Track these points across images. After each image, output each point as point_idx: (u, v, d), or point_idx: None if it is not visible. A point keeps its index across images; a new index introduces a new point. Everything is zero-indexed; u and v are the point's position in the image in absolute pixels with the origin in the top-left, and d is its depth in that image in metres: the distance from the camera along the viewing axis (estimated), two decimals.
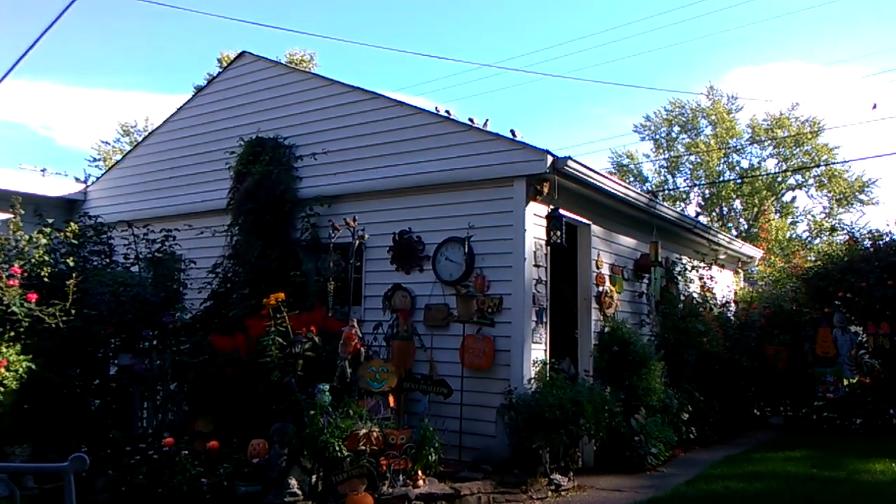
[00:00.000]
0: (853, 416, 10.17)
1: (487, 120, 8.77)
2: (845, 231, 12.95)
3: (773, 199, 32.09)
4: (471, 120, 8.15)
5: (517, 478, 6.57)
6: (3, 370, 6.48)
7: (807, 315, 11.75)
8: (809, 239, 30.04)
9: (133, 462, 6.41)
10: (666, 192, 32.99)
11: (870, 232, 12.14)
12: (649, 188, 32.96)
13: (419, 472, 6.06)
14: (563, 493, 6.78)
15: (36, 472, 6.23)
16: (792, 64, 45.94)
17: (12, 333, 6.73)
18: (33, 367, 6.71)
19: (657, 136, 34.94)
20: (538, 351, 7.59)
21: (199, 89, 12.02)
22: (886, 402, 10.06)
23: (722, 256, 13.07)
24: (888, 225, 23.03)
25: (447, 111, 8.62)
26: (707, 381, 10.01)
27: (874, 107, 26.43)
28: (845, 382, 11.07)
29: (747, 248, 14.60)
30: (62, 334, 7.14)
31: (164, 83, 50.58)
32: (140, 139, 14.81)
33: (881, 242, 11.68)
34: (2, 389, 6.50)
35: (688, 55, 48.01)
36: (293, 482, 5.81)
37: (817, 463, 7.95)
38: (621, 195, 8.88)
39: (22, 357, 6.67)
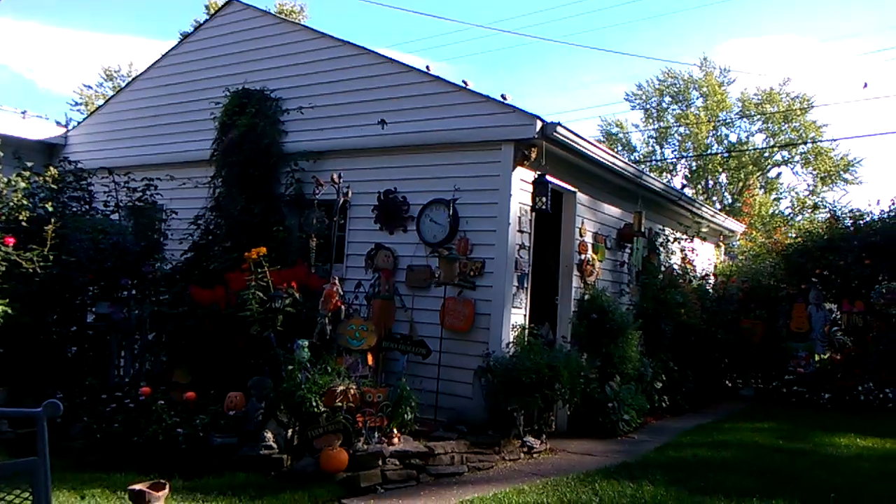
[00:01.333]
0: (822, 390, 10.38)
1: (464, 80, 8.65)
2: (827, 209, 13.09)
3: (758, 174, 32.24)
4: (464, 82, 8.05)
5: (491, 439, 6.67)
6: None
7: (784, 291, 11.91)
8: (792, 215, 30.31)
9: (109, 410, 6.42)
10: (653, 162, 33.03)
11: (851, 211, 12.28)
12: (637, 158, 32.98)
13: (395, 430, 6.12)
14: (535, 455, 6.90)
15: (10, 417, 6.21)
16: (787, 37, 45.75)
17: None
18: (9, 311, 6.64)
19: (648, 106, 34.83)
20: (518, 315, 7.64)
21: (185, 36, 11.77)
22: (856, 379, 10.28)
23: (704, 229, 13.16)
24: (870, 205, 23.22)
25: (426, 66, 8.50)
26: (682, 351, 10.16)
27: (865, 86, 26.49)
28: (817, 358, 11.28)
29: (730, 222, 14.70)
30: (40, 280, 7.06)
31: (150, 28, 49.42)
32: (124, 84, 14.50)
33: (862, 222, 11.83)
34: None
35: (683, 24, 47.61)
36: (269, 435, 5.86)
37: (785, 435, 8.14)
38: (608, 164, 8.86)
39: None
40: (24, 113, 11.98)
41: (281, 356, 6.45)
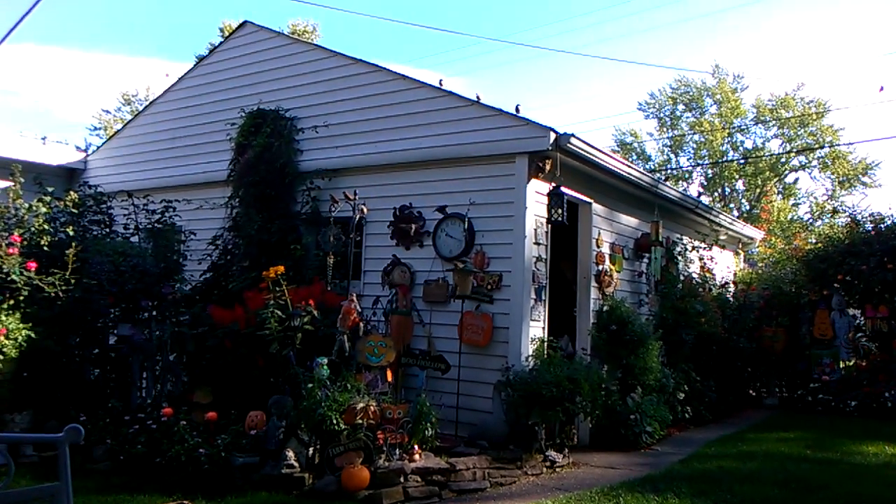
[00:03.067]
0: (848, 398, 10.23)
1: (478, 94, 8.70)
2: (847, 214, 12.94)
3: (775, 180, 31.98)
4: (477, 97, 8.08)
5: (513, 454, 6.62)
6: (2, 338, 6.50)
7: (805, 297, 11.77)
8: (811, 221, 30.00)
9: (132, 431, 6.46)
10: (669, 171, 32.87)
11: (871, 215, 12.13)
12: (652, 167, 32.85)
13: (415, 447, 6.09)
14: (557, 469, 6.84)
15: (33, 443, 6.28)
16: (802, 42, 45.46)
17: (12, 302, 6.73)
18: (33, 335, 6.72)
19: (661, 115, 34.73)
20: (536, 328, 7.61)
21: (200, 59, 11.92)
22: (882, 385, 10.11)
23: (723, 237, 13.05)
24: (890, 208, 22.97)
25: (439, 81, 8.54)
26: (704, 361, 10.05)
27: (881, 89, 26.24)
28: (841, 365, 11.12)
29: (748, 229, 14.58)
30: (62, 303, 7.15)
31: (167, 51, 50.14)
32: (141, 108, 14.70)
33: (882, 226, 11.68)
34: (1, 358, 6.51)
35: (694, 32, 47.50)
36: (290, 454, 5.86)
37: (811, 444, 8.01)
38: (624, 174, 8.83)
39: (21, 326, 6.68)
40: (44, 139, 12.21)
41: (300, 374, 6.46)
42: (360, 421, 5.93)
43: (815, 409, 10.51)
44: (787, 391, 11.70)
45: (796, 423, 9.71)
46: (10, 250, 6.89)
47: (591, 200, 8.67)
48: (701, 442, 8.32)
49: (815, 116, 30.61)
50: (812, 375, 10.96)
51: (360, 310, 7.29)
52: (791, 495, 5.72)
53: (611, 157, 8.64)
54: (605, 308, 8.60)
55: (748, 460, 7.19)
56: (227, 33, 18.29)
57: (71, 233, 7.78)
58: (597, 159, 8.13)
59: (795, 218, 30.36)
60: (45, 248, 7.38)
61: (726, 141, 32.94)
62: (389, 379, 7.02)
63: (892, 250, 10.81)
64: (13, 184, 7.86)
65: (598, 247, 8.75)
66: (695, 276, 11.29)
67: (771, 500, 5.52)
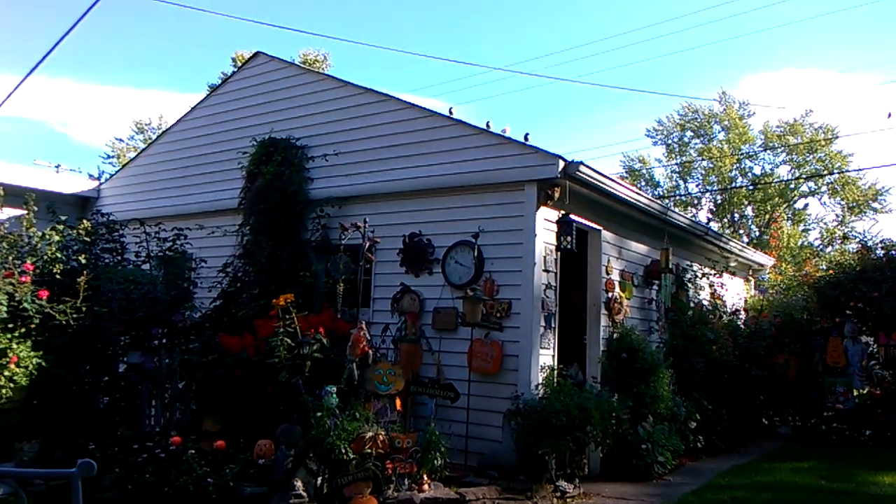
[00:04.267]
0: (863, 427, 10.08)
1: (488, 122, 8.76)
2: (857, 240, 12.87)
3: (785, 206, 31.90)
4: (487, 124, 8.14)
5: (523, 484, 6.55)
6: (13, 366, 6.53)
7: (817, 324, 11.67)
8: (821, 247, 29.84)
9: (140, 460, 6.44)
10: (677, 197, 32.86)
11: (882, 241, 12.06)
12: (661, 193, 32.85)
13: (424, 477, 6.05)
14: (568, 500, 6.75)
15: (45, 478, 6.25)
16: (808, 71, 45.67)
17: (23, 330, 6.77)
18: (43, 363, 6.75)
19: (670, 141, 34.81)
20: (546, 356, 7.57)
21: (213, 88, 12.10)
22: None
23: (733, 264, 13.00)
24: None
25: (450, 109, 8.62)
26: (715, 389, 9.95)
27: (889, 115, 26.24)
28: (855, 393, 10.98)
29: (758, 256, 14.52)
30: (73, 331, 7.18)
31: (180, 82, 50.86)
32: (154, 137, 14.88)
33: (894, 252, 11.60)
34: (12, 385, 6.55)
35: (702, 60, 47.83)
36: (299, 484, 5.83)
37: (825, 474, 7.89)
38: (633, 201, 8.84)
39: (32, 353, 6.72)
40: (58, 167, 12.37)
41: (309, 403, 6.44)
42: (369, 450, 5.90)
43: (828, 438, 10.36)
44: (801, 420, 11.55)
45: (810, 452, 9.58)
46: (23, 279, 6.95)
47: (601, 227, 8.68)
48: (713, 472, 8.21)
49: (823, 142, 30.60)
50: (825, 404, 10.82)
51: (369, 338, 7.28)
52: None
53: (620, 184, 8.66)
54: (615, 336, 8.56)
55: (762, 491, 7.08)
56: (239, 63, 18.58)
57: (83, 261, 7.85)
58: (606, 187, 8.15)
59: (805, 244, 30.20)
60: (58, 276, 7.44)
61: (735, 167, 32.94)
62: (398, 407, 7.00)
63: None
64: (27, 212, 7.96)
65: (608, 274, 8.74)
66: (705, 303, 11.23)
67: None
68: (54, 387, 7.05)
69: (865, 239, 12.49)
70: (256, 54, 10.51)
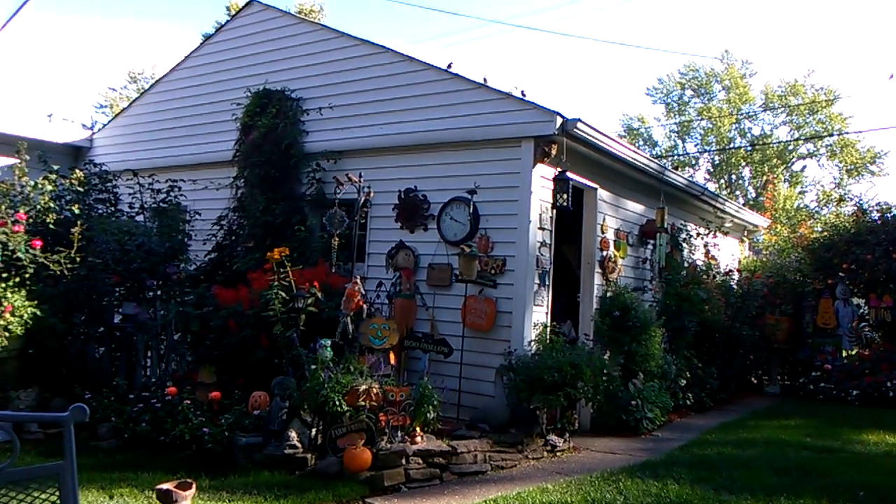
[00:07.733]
0: (850, 387, 10.24)
1: (485, 77, 8.63)
2: (853, 202, 12.89)
3: (782, 167, 31.81)
4: (484, 79, 8.01)
5: (514, 437, 6.65)
6: (8, 315, 6.54)
7: (810, 286, 11.76)
8: (817, 209, 29.87)
9: (136, 410, 6.51)
10: (675, 156, 32.72)
11: (878, 204, 12.08)
12: (659, 153, 32.69)
13: (417, 429, 6.13)
14: (558, 453, 6.88)
15: (37, 422, 6.32)
16: (811, 28, 44.99)
17: (17, 279, 6.77)
18: (38, 313, 6.76)
19: (669, 100, 34.51)
20: (539, 313, 7.62)
21: (206, 38, 11.85)
22: (884, 375, 10.11)
23: (728, 224, 13.00)
24: None
25: (448, 63, 8.48)
26: (706, 348, 10.06)
27: (891, 77, 26.04)
28: (844, 354, 11.12)
29: (753, 217, 14.52)
30: (67, 282, 7.18)
31: (173, 29, 49.83)
32: (147, 87, 14.66)
33: (889, 215, 11.64)
34: (7, 334, 6.57)
35: (703, 16, 47.05)
36: (293, 434, 5.90)
37: (812, 432, 8.03)
38: (630, 160, 8.79)
39: (27, 303, 6.73)
40: (50, 116, 12.19)
41: (304, 356, 6.49)
42: (363, 403, 5.96)
43: (816, 397, 10.53)
44: (789, 379, 11.71)
45: (797, 410, 9.74)
46: (16, 228, 6.91)
47: (597, 186, 8.64)
48: (701, 428, 8.35)
49: (824, 104, 30.37)
50: (814, 364, 10.96)
51: (363, 292, 7.30)
52: (791, 482, 5.74)
53: (617, 142, 8.59)
54: (608, 294, 8.60)
55: (748, 447, 7.21)
56: (233, 12, 18.16)
57: (77, 211, 7.80)
58: (603, 145, 8.09)
59: (802, 206, 30.22)
60: (51, 227, 7.40)
61: (734, 127, 32.74)
62: (392, 362, 7.05)
63: None
64: (18, 161, 7.86)
65: (603, 233, 8.74)
66: (699, 263, 11.27)
67: (770, 488, 5.54)
68: (49, 337, 7.08)
69: (861, 202, 12.51)
70: (250, 2, 10.29)
